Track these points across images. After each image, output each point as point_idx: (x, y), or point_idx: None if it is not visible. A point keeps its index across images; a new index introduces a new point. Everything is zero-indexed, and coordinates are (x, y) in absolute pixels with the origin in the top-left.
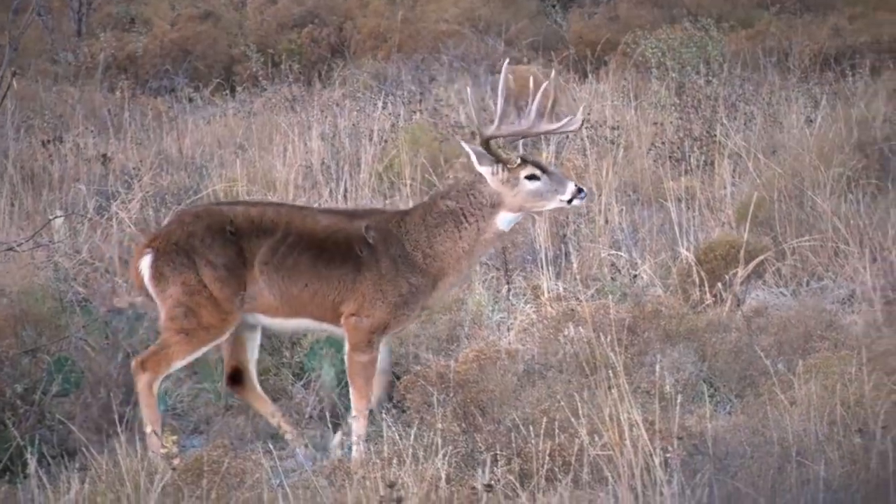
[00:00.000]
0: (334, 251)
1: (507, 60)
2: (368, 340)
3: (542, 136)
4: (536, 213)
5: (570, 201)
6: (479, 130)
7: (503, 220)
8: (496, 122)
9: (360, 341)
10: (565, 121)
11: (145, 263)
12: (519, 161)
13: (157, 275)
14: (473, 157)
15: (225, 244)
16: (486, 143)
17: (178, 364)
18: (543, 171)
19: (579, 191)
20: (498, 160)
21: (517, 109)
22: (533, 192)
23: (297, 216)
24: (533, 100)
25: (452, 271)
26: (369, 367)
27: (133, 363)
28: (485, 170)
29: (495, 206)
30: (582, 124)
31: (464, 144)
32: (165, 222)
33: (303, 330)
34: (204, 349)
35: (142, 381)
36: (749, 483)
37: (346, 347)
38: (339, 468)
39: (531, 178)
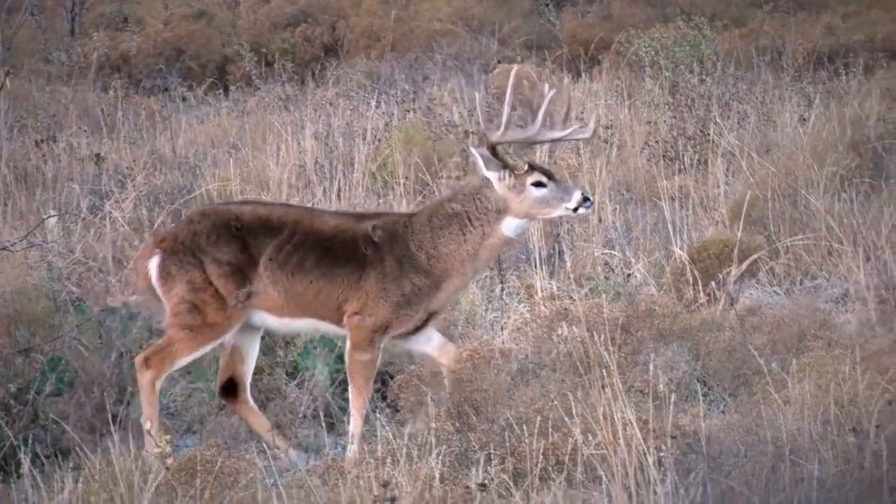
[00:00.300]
0: (340, 250)
1: (515, 68)
2: (370, 340)
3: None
4: (543, 219)
5: (575, 209)
6: (485, 135)
7: (509, 225)
8: (502, 128)
9: (362, 340)
10: (573, 128)
11: (153, 264)
12: (526, 167)
13: (165, 274)
14: (480, 162)
15: (230, 241)
16: (492, 148)
17: (182, 362)
18: (550, 178)
19: (585, 199)
20: (505, 166)
21: (521, 106)
22: (539, 199)
23: (305, 216)
24: (541, 106)
25: (456, 274)
26: (369, 366)
27: (137, 360)
28: (492, 175)
29: (501, 211)
30: (595, 133)
31: (472, 149)
32: (158, 221)
33: (308, 331)
34: (208, 347)
35: (145, 378)
36: (743, 482)
37: (348, 346)
38: (333, 468)
39: (537, 184)
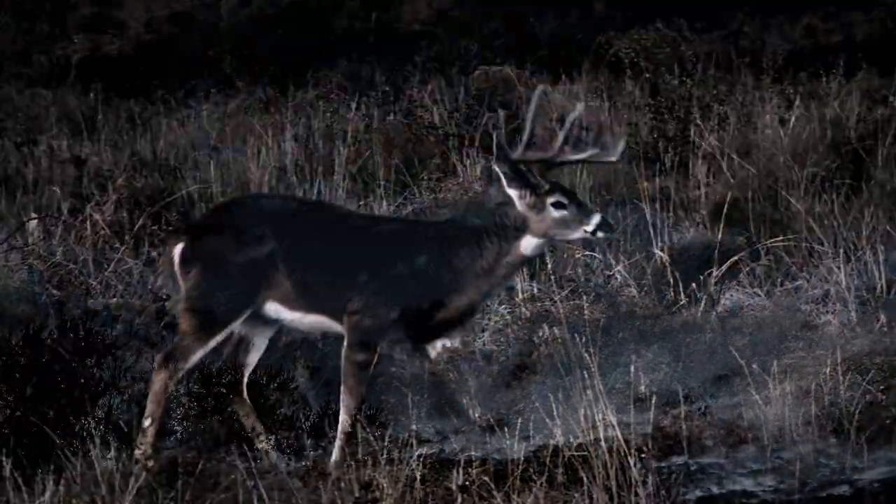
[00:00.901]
0: (356, 248)
1: (540, 87)
2: (367, 341)
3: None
4: (560, 240)
5: (594, 233)
6: (504, 153)
7: (527, 244)
8: (522, 146)
9: (359, 341)
10: (594, 150)
11: (178, 249)
12: (547, 187)
13: (186, 259)
14: (503, 179)
15: (253, 230)
16: (512, 166)
17: (195, 357)
18: (571, 199)
19: (604, 223)
20: (526, 184)
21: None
22: (558, 220)
23: (330, 214)
24: (564, 126)
25: (469, 288)
26: (364, 367)
27: (157, 358)
28: (513, 192)
29: (519, 229)
30: (622, 156)
31: (494, 166)
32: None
33: (318, 329)
34: (219, 337)
35: (159, 377)
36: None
37: (344, 345)
38: (314, 470)
39: (557, 205)
